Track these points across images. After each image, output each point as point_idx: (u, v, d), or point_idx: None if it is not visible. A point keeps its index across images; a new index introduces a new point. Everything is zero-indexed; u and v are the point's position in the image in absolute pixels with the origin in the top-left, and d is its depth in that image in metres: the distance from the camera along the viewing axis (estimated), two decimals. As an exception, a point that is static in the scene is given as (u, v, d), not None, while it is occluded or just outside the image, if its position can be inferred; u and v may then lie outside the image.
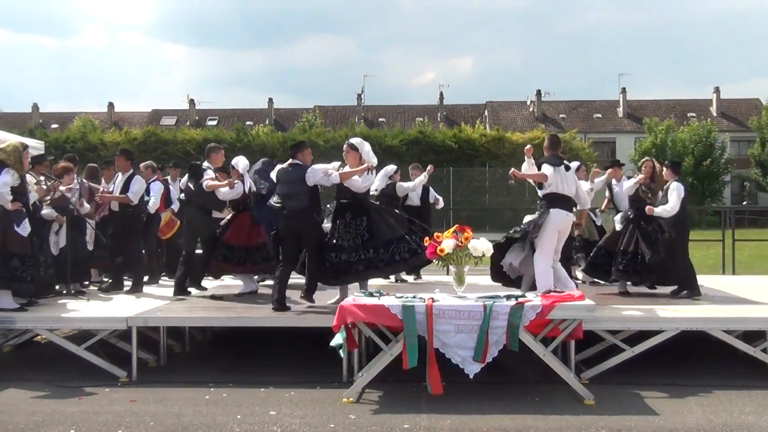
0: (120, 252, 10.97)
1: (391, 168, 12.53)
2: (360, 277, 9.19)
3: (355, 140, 9.51)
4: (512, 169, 9.27)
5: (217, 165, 10.72)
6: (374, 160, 9.39)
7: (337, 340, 7.63)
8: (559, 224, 8.92)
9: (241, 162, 10.82)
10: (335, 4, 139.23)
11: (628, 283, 10.33)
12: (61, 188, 10.28)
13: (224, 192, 10.37)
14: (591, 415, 6.90)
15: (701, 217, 44.13)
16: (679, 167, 10.45)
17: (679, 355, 8.87)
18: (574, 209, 9.40)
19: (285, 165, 9.44)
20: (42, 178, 10.16)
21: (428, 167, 12.78)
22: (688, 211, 10.29)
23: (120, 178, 10.95)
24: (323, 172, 9.15)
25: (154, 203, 11.94)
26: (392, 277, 12.26)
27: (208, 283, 11.10)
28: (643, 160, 10.83)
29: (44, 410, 7.20)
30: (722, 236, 15.80)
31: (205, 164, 10.72)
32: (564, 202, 9.01)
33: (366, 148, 9.42)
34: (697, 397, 7.45)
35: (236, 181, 10.41)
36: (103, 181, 12.06)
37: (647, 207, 9.89)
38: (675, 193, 9.81)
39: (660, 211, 9.80)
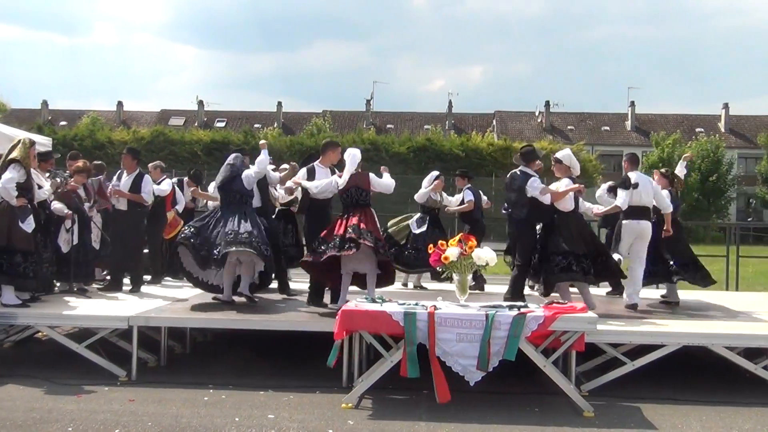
0: (123, 251, 10.92)
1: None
2: None
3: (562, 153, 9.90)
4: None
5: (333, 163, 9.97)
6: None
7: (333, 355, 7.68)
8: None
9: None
10: (347, 10, 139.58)
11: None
12: (73, 183, 10.32)
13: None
14: (590, 428, 6.88)
15: (706, 233, 44.06)
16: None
17: (679, 371, 8.84)
18: None
19: (516, 171, 9.58)
20: (47, 175, 10.18)
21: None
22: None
23: (126, 177, 10.93)
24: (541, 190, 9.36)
25: (160, 190, 11.96)
26: (411, 284, 12.36)
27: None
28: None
29: (43, 407, 7.20)
30: (726, 252, 15.78)
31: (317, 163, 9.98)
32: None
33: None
34: (696, 413, 7.41)
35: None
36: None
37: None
38: None
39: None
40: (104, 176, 11.57)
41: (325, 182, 9.54)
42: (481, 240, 10.43)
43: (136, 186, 10.82)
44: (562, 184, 9.55)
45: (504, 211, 9.61)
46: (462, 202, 12.63)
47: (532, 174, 9.43)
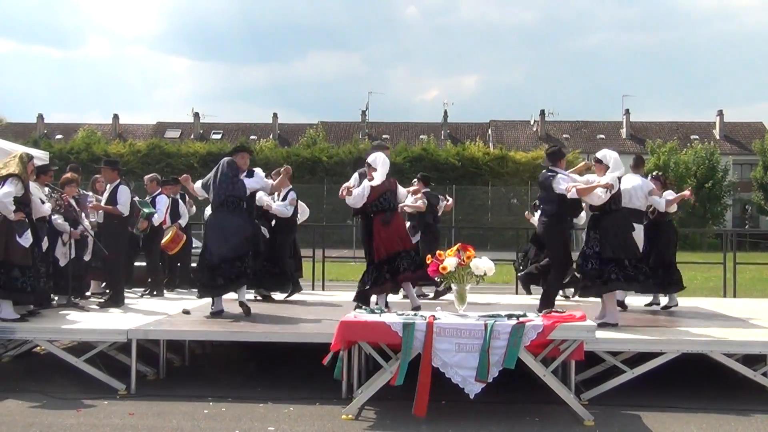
0: (103, 263, 10.81)
1: None
2: None
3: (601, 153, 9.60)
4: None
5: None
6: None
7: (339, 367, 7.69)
8: None
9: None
10: (341, 21, 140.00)
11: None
12: (70, 200, 10.33)
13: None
14: (590, 437, 6.89)
15: (702, 240, 44.13)
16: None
17: (679, 378, 8.84)
18: None
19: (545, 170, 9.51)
20: (47, 189, 10.18)
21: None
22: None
23: (107, 189, 10.85)
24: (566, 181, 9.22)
25: (158, 218, 11.94)
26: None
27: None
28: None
29: (42, 422, 7.18)
30: (723, 259, 15.77)
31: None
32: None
33: None
34: (696, 421, 7.42)
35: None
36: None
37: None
38: None
39: None
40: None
41: (359, 190, 9.72)
42: (435, 246, 10.97)
43: (112, 197, 10.60)
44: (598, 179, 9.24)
45: (537, 210, 9.84)
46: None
47: (558, 172, 9.31)
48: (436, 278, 8.21)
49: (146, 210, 11.84)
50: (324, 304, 11.40)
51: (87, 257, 11.02)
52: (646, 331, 8.75)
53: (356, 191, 9.69)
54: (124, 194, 10.63)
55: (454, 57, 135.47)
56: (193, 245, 13.98)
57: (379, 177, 9.72)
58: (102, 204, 10.66)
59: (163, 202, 12.28)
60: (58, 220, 10.14)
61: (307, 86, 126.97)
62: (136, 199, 11.79)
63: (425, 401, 7.17)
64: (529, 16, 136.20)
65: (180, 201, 13.00)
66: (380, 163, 9.79)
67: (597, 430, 7.05)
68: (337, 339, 7.51)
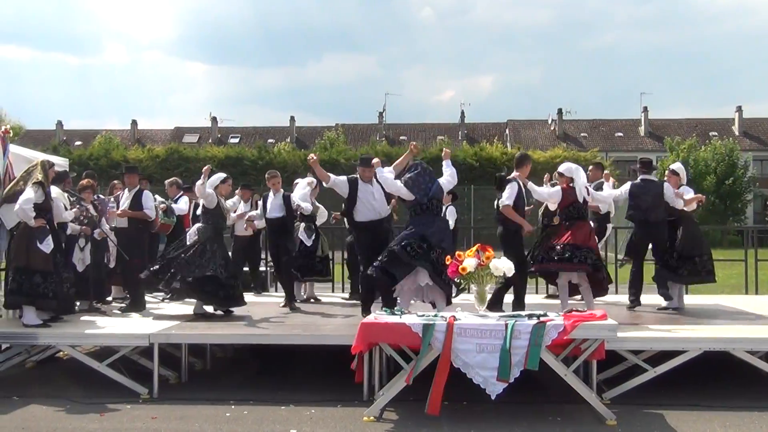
0: (123, 268, 10.91)
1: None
2: None
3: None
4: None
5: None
6: None
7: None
8: None
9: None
10: (355, 23, 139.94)
11: None
12: (89, 206, 10.43)
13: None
14: (613, 436, 6.86)
15: (723, 236, 43.86)
16: None
17: (701, 376, 8.79)
18: None
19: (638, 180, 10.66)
20: (65, 195, 10.24)
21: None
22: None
23: (127, 194, 10.86)
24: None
25: (179, 209, 12.10)
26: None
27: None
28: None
29: (66, 426, 7.24)
30: (745, 256, 15.66)
31: (514, 173, 9.89)
32: None
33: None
34: (719, 419, 7.38)
35: None
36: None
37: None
38: None
39: None
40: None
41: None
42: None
43: (136, 202, 10.64)
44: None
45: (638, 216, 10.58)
46: None
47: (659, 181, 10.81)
48: (455, 279, 8.17)
49: (166, 218, 11.92)
50: (345, 305, 11.41)
51: (111, 264, 11.09)
52: (667, 330, 8.72)
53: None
54: (150, 198, 10.80)
55: (470, 57, 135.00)
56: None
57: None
58: (125, 209, 10.69)
59: (185, 201, 12.35)
60: (75, 225, 10.21)
61: (323, 89, 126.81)
62: (158, 199, 11.87)
63: (439, 402, 7.17)
64: (544, 15, 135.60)
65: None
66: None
67: (619, 430, 7.02)
68: (358, 341, 7.52)
